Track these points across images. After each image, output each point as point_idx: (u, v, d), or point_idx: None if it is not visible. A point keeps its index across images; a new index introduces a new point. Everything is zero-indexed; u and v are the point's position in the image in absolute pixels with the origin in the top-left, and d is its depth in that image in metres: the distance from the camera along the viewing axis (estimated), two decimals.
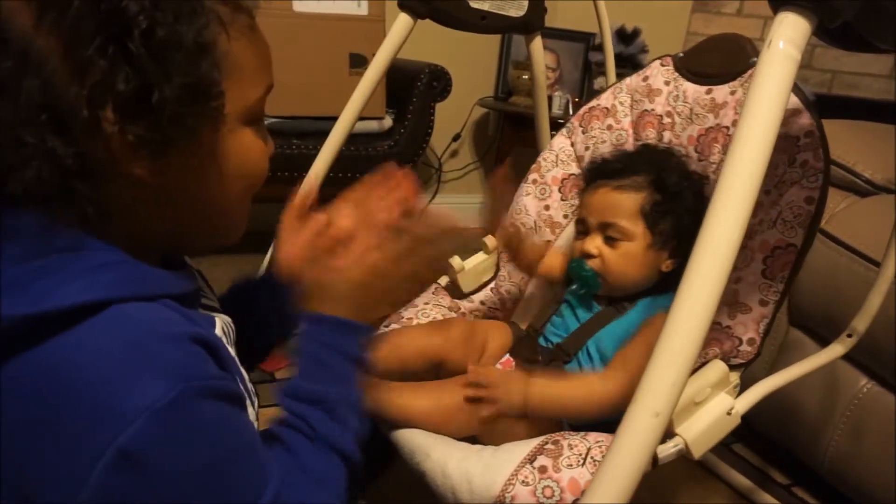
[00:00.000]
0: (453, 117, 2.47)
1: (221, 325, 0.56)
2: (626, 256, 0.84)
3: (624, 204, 0.85)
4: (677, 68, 0.97)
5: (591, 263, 0.85)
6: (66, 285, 0.40)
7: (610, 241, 0.85)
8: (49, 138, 0.40)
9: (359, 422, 0.56)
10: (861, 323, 0.89)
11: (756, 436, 1.31)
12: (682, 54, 0.98)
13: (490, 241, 1.03)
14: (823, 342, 1.13)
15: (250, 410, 0.54)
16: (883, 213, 1.10)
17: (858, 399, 1.10)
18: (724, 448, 1.32)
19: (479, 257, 1.03)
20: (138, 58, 0.39)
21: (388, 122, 1.92)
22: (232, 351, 0.55)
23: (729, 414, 0.69)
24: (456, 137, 2.54)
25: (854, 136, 1.31)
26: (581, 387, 0.77)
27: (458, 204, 2.64)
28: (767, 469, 1.29)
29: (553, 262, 0.95)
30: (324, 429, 0.53)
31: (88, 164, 0.42)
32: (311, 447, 0.53)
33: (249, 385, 0.57)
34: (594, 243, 0.86)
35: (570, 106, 2.28)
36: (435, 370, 0.84)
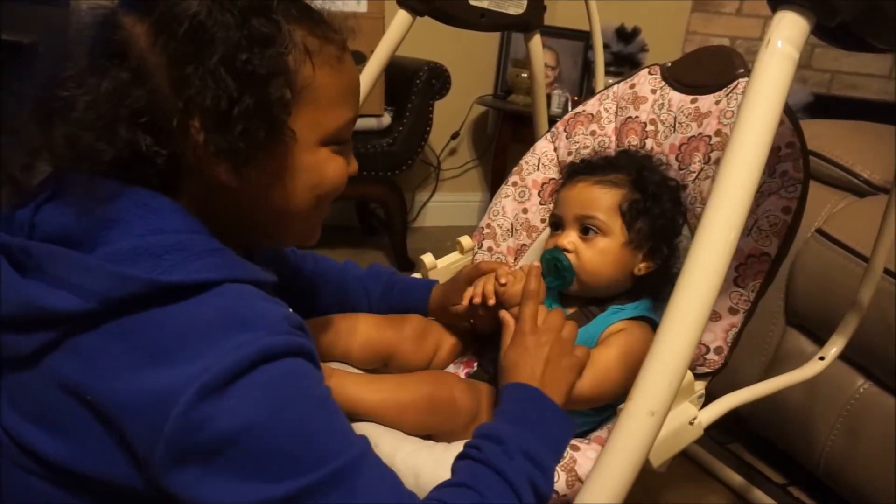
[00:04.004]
0: (452, 115, 2.47)
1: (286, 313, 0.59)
2: (602, 253, 0.82)
3: (602, 198, 0.83)
4: (665, 77, 0.97)
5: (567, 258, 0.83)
6: (189, 263, 0.47)
7: (585, 236, 0.83)
8: (141, 136, 0.47)
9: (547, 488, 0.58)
10: (832, 348, 0.89)
11: (752, 435, 1.31)
12: (670, 64, 0.98)
13: (465, 241, 1.02)
14: (820, 342, 1.13)
15: None
16: (881, 214, 1.10)
17: (855, 399, 1.10)
18: (719, 447, 1.32)
19: (454, 257, 1.01)
20: (219, 79, 0.47)
21: (386, 119, 1.92)
22: None
23: (692, 424, 0.67)
24: (454, 135, 2.54)
25: (852, 137, 1.31)
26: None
27: (456, 202, 2.64)
28: (763, 468, 1.29)
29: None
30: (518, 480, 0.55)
31: (180, 165, 0.50)
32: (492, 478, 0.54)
33: None
34: (569, 238, 0.83)
35: (570, 104, 2.28)
36: (380, 365, 0.81)
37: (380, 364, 0.82)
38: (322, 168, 0.56)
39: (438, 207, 2.60)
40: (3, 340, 0.46)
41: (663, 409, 0.51)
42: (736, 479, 1.23)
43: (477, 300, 0.79)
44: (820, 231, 1.16)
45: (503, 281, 0.77)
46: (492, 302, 0.78)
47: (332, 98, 0.54)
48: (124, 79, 0.47)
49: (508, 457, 0.55)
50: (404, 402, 0.69)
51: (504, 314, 0.74)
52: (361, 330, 0.80)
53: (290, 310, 0.51)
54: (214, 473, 0.43)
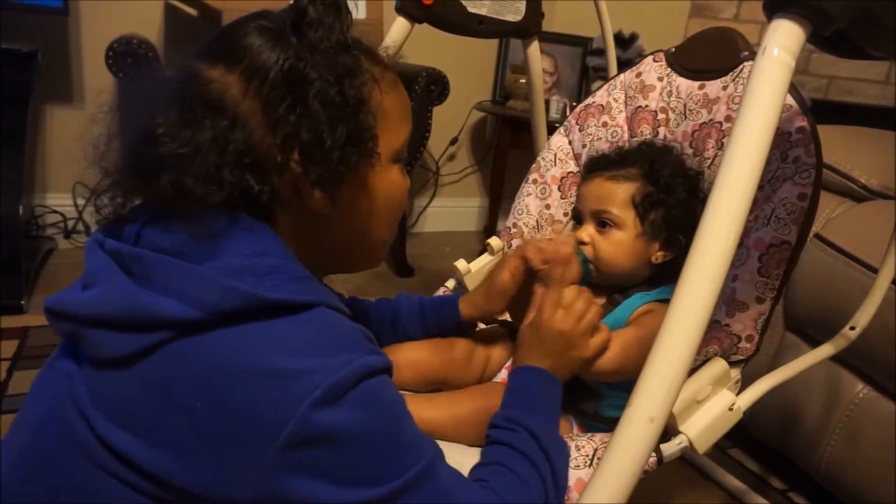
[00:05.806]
0: (451, 121, 2.47)
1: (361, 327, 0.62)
2: (617, 244, 0.86)
3: (615, 193, 0.87)
4: (670, 64, 0.98)
5: (584, 251, 0.87)
6: (290, 284, 0.50)
7: (601, 229, 0.87)
8: (247, 177, 0.51)
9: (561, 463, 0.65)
10: (862, 318, 0.88)
11: (753, 440, 1.31)
12: (674, 49, 0.98)
13: (495, 242, 1.04)
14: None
15: None
16: (879, 219, 1.11)
17: (855, 404, 1.10)
18: (720, 452, 1.32)
19: (485, 259, 1.04)
20: (316, 113, 0.51)
21: None
22: None
23: (731, 409, 0.70)
24: (453, 141, 2.54)
25: (850, 142, 1.32)
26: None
27: (455, 208, 2.64)
28: (764, 474, 1.29)
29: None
30: (533, 455, 0.62)
31: (280, 198, 0.54)
32: (518, 459, 0.62)
33: None
34: (586, 231, 0.88)
35: (568, 110, 2.28)
36: (434, 390, 0.84)
37: (433, 390, 0.84)
38: (394, 185, 0.61)
39: (437, 213, 2.60)
40: (95, 338, 0.48)
41: (663, 415, 0.51)
42: (736, 483, 1.23)
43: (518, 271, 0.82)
44: (818, 236, 1.17)
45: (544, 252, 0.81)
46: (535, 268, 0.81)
47: (396, 118, 0.60)
48: (224, 126, 0.50)
49: (518, 434, 0.63)
50: (461, 418, 0.74)
51: (537, 287, 0.77)
52: (412, 359, 0.83)
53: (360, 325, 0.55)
54: (323, 478, 0.47)
